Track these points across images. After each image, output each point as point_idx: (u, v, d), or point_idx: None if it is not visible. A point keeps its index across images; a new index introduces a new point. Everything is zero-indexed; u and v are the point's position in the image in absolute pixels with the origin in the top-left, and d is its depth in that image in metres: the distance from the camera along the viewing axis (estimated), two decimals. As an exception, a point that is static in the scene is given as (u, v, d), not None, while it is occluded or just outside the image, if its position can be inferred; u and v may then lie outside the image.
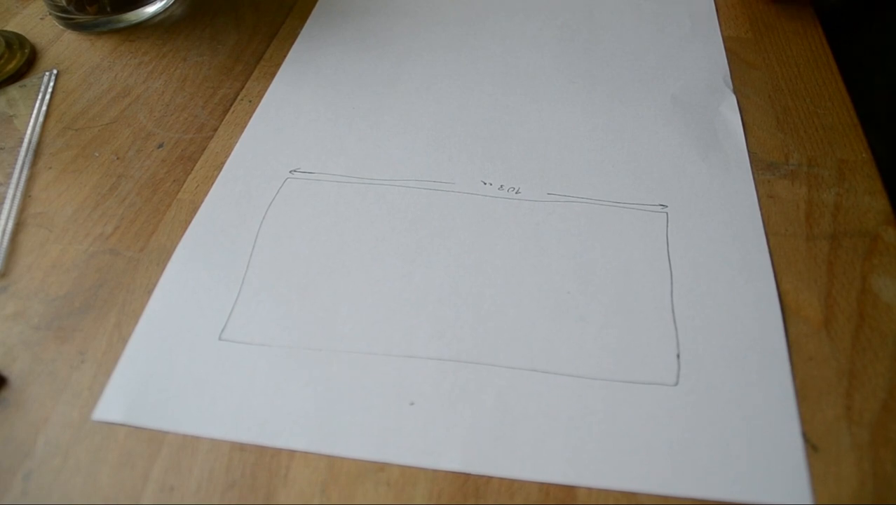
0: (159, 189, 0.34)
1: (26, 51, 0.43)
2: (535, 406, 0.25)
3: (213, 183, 0.34)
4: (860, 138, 0.34)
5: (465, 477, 0.24)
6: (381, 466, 0.24)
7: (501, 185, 0.33)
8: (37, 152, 0.37)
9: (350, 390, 0.26)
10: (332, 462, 0.24)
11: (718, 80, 0.38)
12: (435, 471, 0.24)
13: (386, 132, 0.36)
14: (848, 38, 0.44)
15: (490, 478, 0.24)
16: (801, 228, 0.31)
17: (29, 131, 0.38)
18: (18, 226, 0.33)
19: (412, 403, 0.26)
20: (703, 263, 0.29)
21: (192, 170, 0.35)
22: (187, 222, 0.32)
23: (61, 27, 0.46)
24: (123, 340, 0.28)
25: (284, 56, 0.42)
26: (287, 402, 0.26)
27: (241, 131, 0.37)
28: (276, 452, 0.25)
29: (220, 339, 0.28)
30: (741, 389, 0.26)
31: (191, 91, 0.40)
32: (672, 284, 0.29)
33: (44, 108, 0.40)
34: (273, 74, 0.41)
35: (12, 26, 0.46)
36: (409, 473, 0.24)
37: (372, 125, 0.37)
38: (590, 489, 0.23)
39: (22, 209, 0.34)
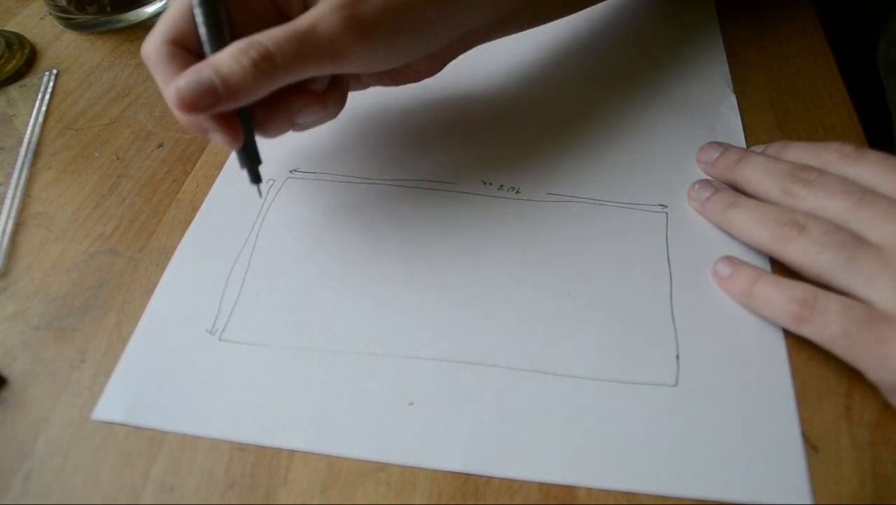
0: (159, 189, 0.34)
1: (26, 51, 0.43)
2: (535, 406, 0.25)
3: (213, 183, 0.34)
4: (860, 138, 0.34)
5: (465, 477, 0.24)
6: (381, 466, 0.24)
7: (501, 185, 0.33)
8: (37, 152, 0.37)
9: (350, 390, 0.26)
10: (332, 462, 0.24)
11: (718, 80, 0.38)
12: (435, 471, 0.24)
13: (386, 132, 0.36)
14: (849, 38, 0.44)
15: (490, 478, 0.24)
16: (801, 228, 0.31)
17: (29, 131, 0.38)
18: (18, 226, 0.33)
19: (412, 403, 0.26)
20: (703, 263, 0.29)
21: (192, 170, 0.35)
22: (187, 222, 0.32)
23: (61, 27, 0.46)
24: (123, 340, 0.28)
25: (284, 56, 0.42)
26: (287, 402, 0.26)
27: (241, 131, 0.37)
28: (276, 452, 0.25)
29: (220, 339, 0.28)
30: (741, 390, 0.26)
31: (191, 91, 0.40)
32: (672, 284, 0.29)
33: (44, 108, 0.40)
34: (273, 74, 0.41)
35: (12, 26, 0.46)
36: (409, 473, 0.24)
37: (372, 125, 0.37)
38: (590, 489, 0.23)
39: (22, 209, 0.34)
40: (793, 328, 0.26)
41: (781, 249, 0.27)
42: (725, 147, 0.32)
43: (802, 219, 0.27)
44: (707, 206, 0.31)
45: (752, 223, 0.28)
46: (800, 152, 0.30)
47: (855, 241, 0.25)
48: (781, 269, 0.28)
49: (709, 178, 0.32)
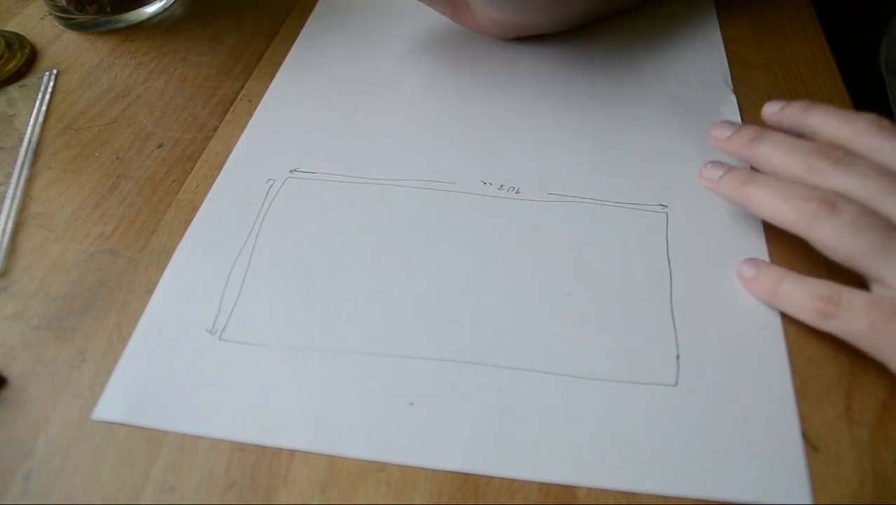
0: (159, 189, 0.34)
1: (26, 51, 0.43)
2: (535, 406, 0.25)
3: (213, 183, 0.34)
4: (860, 138, 0.34)
5: (465, 477, 0.24)
6: (381, 466, 0.24)
7: (501, 185, 0.33)
8: (37, 152, 0.37)
9: (350, 390, 0.26)
10: (332, 462, 0.24)
11: (718, 81, 0.38)
12: (435, 471, 0.24)
13: (386, 132, 0.36)
14: (849, 38, 0.44)
15: (490, 478, 0.24)
16: (801, 228, 0.31)
17: (29, 131, 0.38)
18: (18, 226, 0.33)
19: (412, 403, 0.26)
20: (703, 263, 0.29)
21: (192, 170, 0.35)
22: (187, 222, 0.32)
23: (61, 27, 0.46)
24: (123, 340, 0.28)
25: (284, 56, 0.42)
26: (287, 402, 0.26)
27: (241, 131, 0.37)
28: (276, 452, 0.25)
29: (220, 339, 0.28)
30: (741, 389, 0.26)
31: (191, 91, 0.40)
32: (672, 284, 0.29)
33: (44, 108, 0.40)
34: (273, 74, 0.41)
35: (12, 26, 0.46)
36: (409, 473, 0.24)
37: (372, 125, 0.37)
38: (590, 489, 0.23)
39: (22, 209, 0.34)
40: (819, 325, 0.26)
41: (807, 227, 0.26)
42: (741, 124, 0.31)
43: (832, 197, 0.25)
44: (721, 183, 0.29)
45: (775, 199, 0.27)
46: (828, 118, 0.28)
47: (888, 226, 0.25)
48: (776, 257, 0.28)
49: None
